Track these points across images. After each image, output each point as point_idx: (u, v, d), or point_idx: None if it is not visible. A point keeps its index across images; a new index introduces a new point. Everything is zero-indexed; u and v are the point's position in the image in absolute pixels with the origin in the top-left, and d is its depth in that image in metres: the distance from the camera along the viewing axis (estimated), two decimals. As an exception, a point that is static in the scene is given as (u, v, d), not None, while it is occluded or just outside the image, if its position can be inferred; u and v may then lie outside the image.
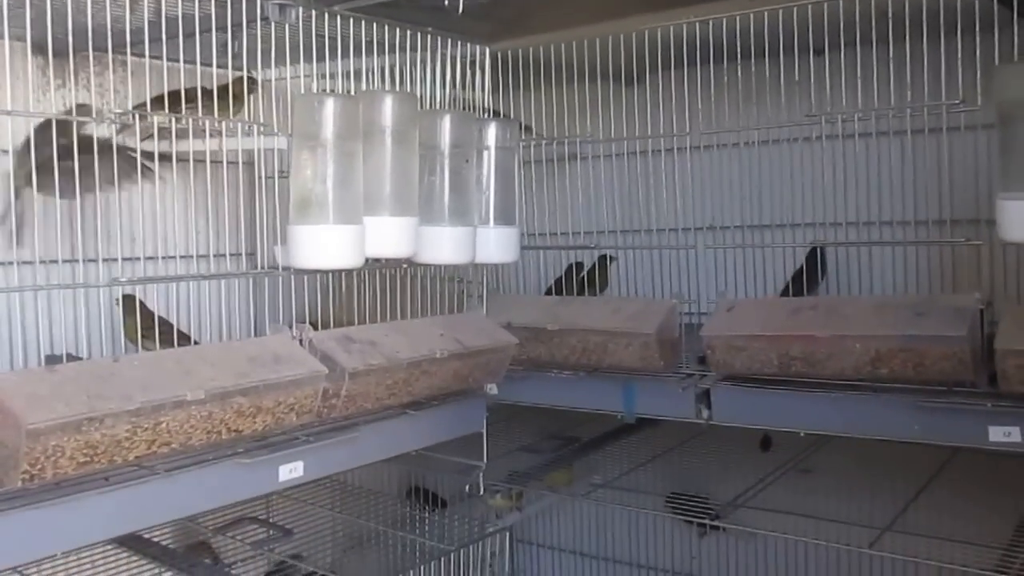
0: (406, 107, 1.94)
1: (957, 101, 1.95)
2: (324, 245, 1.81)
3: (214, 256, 2.06)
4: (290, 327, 1.85)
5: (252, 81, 2.04)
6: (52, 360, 1.85)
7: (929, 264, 2.15)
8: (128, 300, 1.98)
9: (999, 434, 1.78)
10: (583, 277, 2.65)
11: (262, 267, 1.95)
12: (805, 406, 1.99)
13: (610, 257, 2.62)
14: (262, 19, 1.84)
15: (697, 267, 2.39)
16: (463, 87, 2.31)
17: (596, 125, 2.57)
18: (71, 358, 1.86)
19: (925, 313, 1.85)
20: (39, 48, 1.85)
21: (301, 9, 1.88)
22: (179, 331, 1.84)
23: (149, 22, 1.80)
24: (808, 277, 2.37)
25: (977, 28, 1.88)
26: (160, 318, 1.99)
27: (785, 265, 2.32)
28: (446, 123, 2.03)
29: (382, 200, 1.91)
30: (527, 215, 2.62)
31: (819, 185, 2.25)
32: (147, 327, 1.99)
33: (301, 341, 1.84)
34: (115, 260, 1.75)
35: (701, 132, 2.33)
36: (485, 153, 2.15)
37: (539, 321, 2.30)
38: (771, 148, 2.38)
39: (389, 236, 1.91)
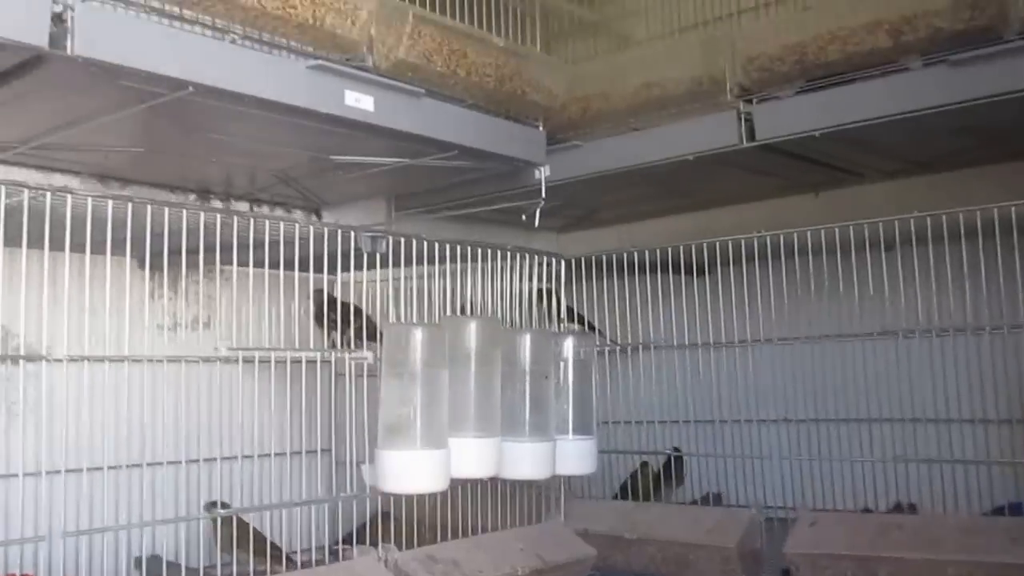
0: (490, 331, 1.99)
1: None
2: (412, 471, 1.84)
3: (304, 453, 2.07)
4: (375, 547, 1.87)
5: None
6: (151, 565, 1.88)
7: (1015, 473, 2.13)
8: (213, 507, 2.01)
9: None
10: (658, 473, 2.65)
11: (348, 480, 1.98)
12: (894, 629, 1.96)
13: (675, 450, 2.63)
14: (355, 249, 1.92)
15: (775, 467, 2.39)
16: (538, 294, 2.35)
17: (666, 318, 2.60)
18: (170, 566, 1.89)
19: (1019, 538, 1.82)
20: (143, 263, 1.93)
21: (391, 239, 1.94)
22: (271, 544, 1.87)
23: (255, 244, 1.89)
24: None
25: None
26: (255, 530, 2.03)
27: (864, 470, 2.29)
28: (526, 342, 2.07)
29: (467, 421, 1.94)
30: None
31: (894, 382, 2.25)
32: (242, 538, 2.03)
33: (386, 562, 1.85)
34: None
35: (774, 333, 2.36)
36: (563, 365, 2.18)
37: (617, 529, 2.31)
38: (843, 344, 2.38)
39: (474, 457, 1.93)
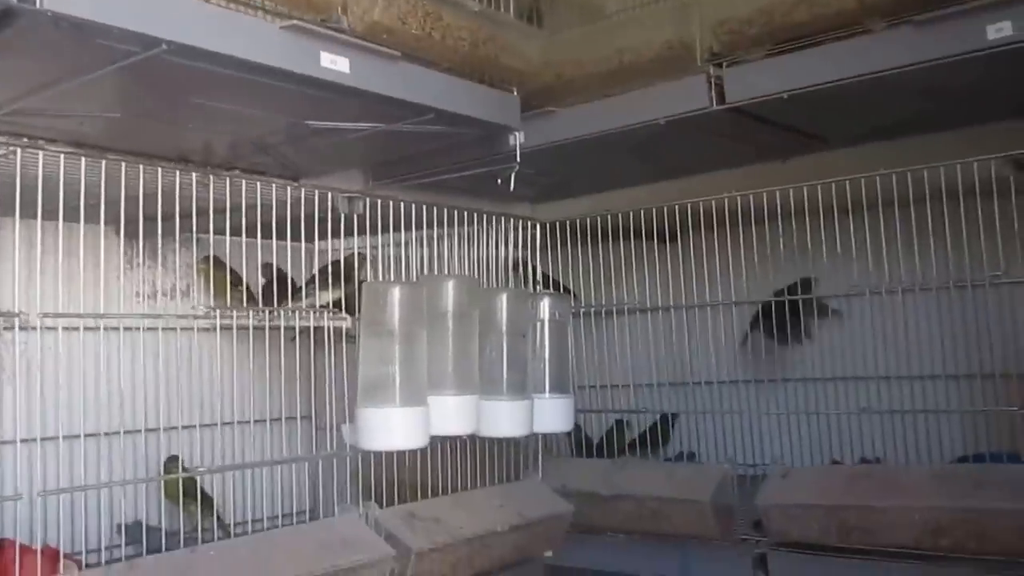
0: (467, 290, 2.02)
1: (997, 272, 2.02)
2: (391, 428, 1.87)
3: (282, 420, 2.10)
4: (356, 505, 1.90)
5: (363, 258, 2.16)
6: (131, 530, 1.91)
7: (976, 425, 2.19)
8: (172, 462, 2.06)
9: (1072, 608, 1.79)
10: (645, 433, 2.71)
11: (329, 443, 2.01)
12: (863, 574, 2.01)
13: (672, 416, 2.68)
14: (332, 210, 1.94)
15: (746, 426, 2.44)
16: (514, 263, 2.39)
17: (640, 283, 2.64)
18: (151, 530, 1.92)
19: (985, 484, 1.87)
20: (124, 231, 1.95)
21: (368, 200, 1.97)
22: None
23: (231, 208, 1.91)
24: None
25: (1014, 199, 1.96)
26: (201, 488, 2.09)
27: (830, 426, 2.34)
28: (503, 301, 2.11)
29: (445, 379, 1.97)
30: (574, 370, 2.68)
31: (862, 341, 2.31)
32: (189, 493, 2.10)
33: (367, 520, 1.89)
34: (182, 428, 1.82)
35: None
36: (539, 325, 2.22)
37: (594, 486, 2.35)
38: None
39: (452, 415, 1.97)
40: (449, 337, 1.98)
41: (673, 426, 2.72)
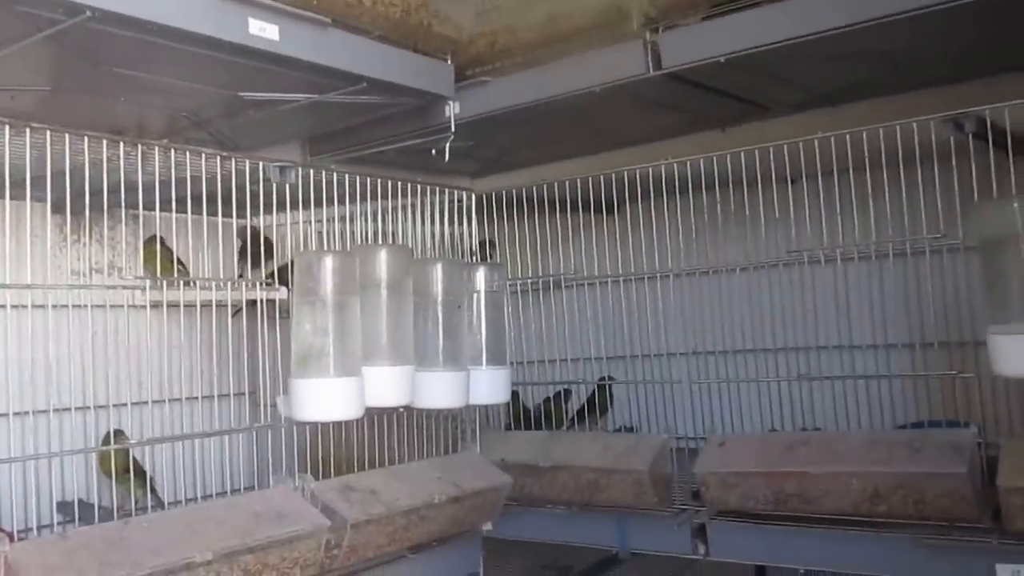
0: (400, 259, 2.00)
1: (938, 235, 2.01)
2: (325, 398, 1.84)
3: (217, 397, 2.06)
4: (292, 477, 1.87)
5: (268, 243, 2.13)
6: (63, 507, 1.88)
7: (916, 393, 2.20)
8: (116, 436, 2.01)
9: (1007, 572, 1.80)
10: (584, 404, 2.70)
11: (265, 418, 1.98)
12: (803, 542, 2.02)
13: (610, 379, 2.67)
14: (264, 180, 1.90)
15: (686, 398, 2.44)
16: (450, 230, 2.36)
17: (577, 254, 2.63)
18: (82, 504, 1.88)
19: (922, 448, 1.88)
20: (57, 207, 1.90)
21: (300, 170, 1.93)
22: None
23: (160, 181, 1.87)
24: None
25: (953, 160, 1.95)
26: (135, 460, 2.07)
27: (770, 395, 2.34)
28: (438, 271, 2.08)
29: (380, 350, 1.95)
30: (512, 344, 2.66)
31: (799, 311, 2.31)
32: (123, 468, 2.06)
33: (303, 491, 1.86)
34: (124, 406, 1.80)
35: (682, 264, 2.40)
36: (475, 296, 2.20)
37: (532, 458, 2.33)
38: (753, 274, 2.43)
39: (387, 386, 1.95)
40: (383, 307, 1.96)
41: (611, 395, 2.72)
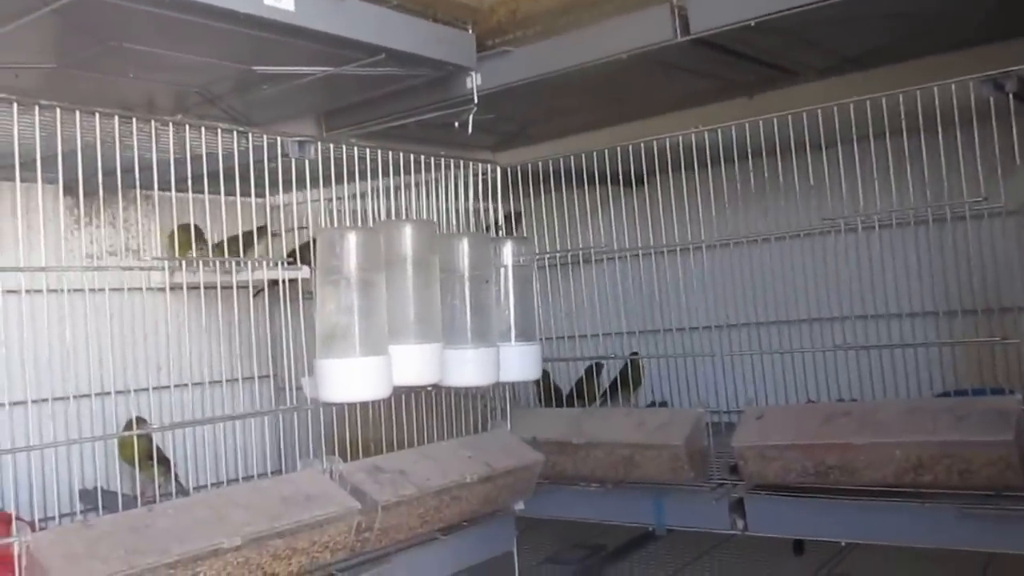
0: (425, 234, 1.94)
1: (978, 199, 1.94)
2: (352, 379, 1.79)
3: (241, 380, 2.02)
4: (319, 459, 1.83)
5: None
6: (85, 495, 1.84)
7: (955, 361, 2.14)
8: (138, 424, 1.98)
9: (1055, 541, 1.74)
10: (616, 379, 2.64)
11: (290, 401, 1.94)
12: (844, 515, 1.96)
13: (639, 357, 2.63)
14: (283, 156, 1.85)
15: (719, 371, 2.39)
16: (475, 204, 2.31)
17: (604, 228, 2.57)
18: (104, 493, 1.84)
19: (966, 416, 1.82)
20: (69, 189, 1.86)
21: (320, 145, 1.88)
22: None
23: (176, 160, 1.82)
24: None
25: (993, 122, 1.88)
26: (158, 447, 2.04)
27: (805, 367, 2.28)
28: (464, 246, 2.03)
29: (407, 328, 1.90)
30: (542, 319, 2.62)
31: (833, 280, 2.25)
32: (145, 455, 2.01)
33: (331, 474, 1.82)
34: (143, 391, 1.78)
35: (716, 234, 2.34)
36: (502, 271, 2.14)
37: (564, 435, 2.29)
38: (785, 244, 2.37)
39: (415, 364, 1.90)
40: (409, 284, 1.90)
41: (642, 369, 2.66)
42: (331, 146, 1.93)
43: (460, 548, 2.08)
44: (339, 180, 2.04)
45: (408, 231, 1.92)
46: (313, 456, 1.85)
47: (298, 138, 1.87)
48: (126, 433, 1.89)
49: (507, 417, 2.29)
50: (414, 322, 1.90)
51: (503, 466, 2.07)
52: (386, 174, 2.12)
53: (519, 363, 2.13)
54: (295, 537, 1.64)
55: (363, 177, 2.06)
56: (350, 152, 1.97)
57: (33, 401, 1.52)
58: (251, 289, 1.83)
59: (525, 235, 2.66)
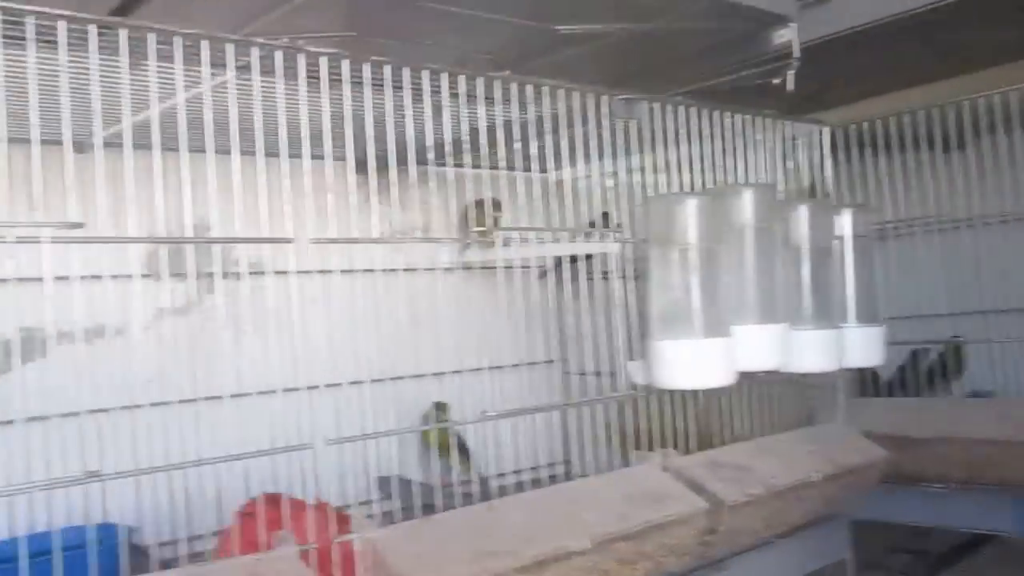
0: (767, 201, 1.72)
1: None
2: (695, 362, 1.59)
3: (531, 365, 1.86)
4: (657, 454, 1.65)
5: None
6: (384, 483, 1.71)
7: None
8: (440, 410, 1.99)
9: None
10: (930, 366, 2.37)
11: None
12: None
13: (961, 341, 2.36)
14: (610, 117, 1.67)
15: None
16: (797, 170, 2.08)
17: (920, 196, 2.30)
18: (401, 481, 1.72)
19: None
20: (360, 166, 1.75)
21: (649, 104, 1.69)
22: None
23: (472, 130, 1.67)
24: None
25: None
26: (459, 436, 1.97)
27: None
28: (803, 215, 1.79)
29: (748, 306, 1.68)
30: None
31: None
32: (444, 442, 2.01)
33: (668, 468, 1.63)
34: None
35: None
36: (840, 243, 1.90)
37: (902, 429, 2.04)
38: None
39: (758, 347, 1.68)
40: (750, 257, 1.69)
41: (964, 354, 2.38)
42: (656, 105, 1.73)
43: (793, 554, 1.87)
44: (652, 148, 1.85)
45: (748, 196, 1.70)
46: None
47: (624, 96, 1.69)
48: (439, 425, 1.78)
49: (841, 406, 2.05)
50: (756, 300, 1.69)
51: (847, 463, 1.84)
52: (703, 140, 1.92)
53: (863, 346, 1.87)
54: (643, 539, 1.46)
55: (679, 145, 1.86)
56: (676, 112, 1.77)
57: (327, 386, 1.39)
58: (553, 267, 1.65)
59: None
